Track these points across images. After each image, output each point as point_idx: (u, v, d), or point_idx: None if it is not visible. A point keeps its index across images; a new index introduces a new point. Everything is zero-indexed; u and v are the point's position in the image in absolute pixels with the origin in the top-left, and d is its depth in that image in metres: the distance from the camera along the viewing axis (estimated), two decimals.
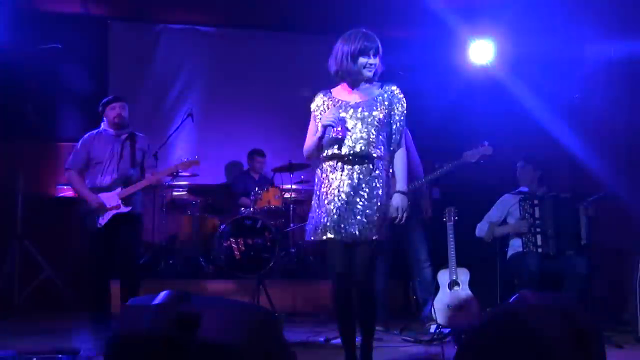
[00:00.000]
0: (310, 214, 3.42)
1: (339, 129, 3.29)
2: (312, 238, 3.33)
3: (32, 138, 6.84)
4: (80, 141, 4.96)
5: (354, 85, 3.41)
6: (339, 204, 3.26)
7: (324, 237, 3.28)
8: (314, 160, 3.49)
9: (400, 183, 3.39)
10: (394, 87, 3.44)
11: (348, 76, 3.37)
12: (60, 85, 7.09)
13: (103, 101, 5.01)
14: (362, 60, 3.30)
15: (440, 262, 5.11)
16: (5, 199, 6.46)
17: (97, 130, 4.98)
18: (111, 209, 4.73)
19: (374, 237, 3.24)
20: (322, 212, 3.30)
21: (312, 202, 3.44)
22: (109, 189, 4.78)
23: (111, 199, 4.75)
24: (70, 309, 5.65)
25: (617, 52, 5.80)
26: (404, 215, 3.33)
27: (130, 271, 4.84)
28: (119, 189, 4.78)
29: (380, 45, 3.34)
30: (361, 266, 3.27)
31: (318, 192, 3.39)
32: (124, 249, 4.81)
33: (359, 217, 3.24)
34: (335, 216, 3.25)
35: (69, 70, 7.02)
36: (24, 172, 6.45)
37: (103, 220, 4.74)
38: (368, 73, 3.34)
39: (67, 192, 6.74)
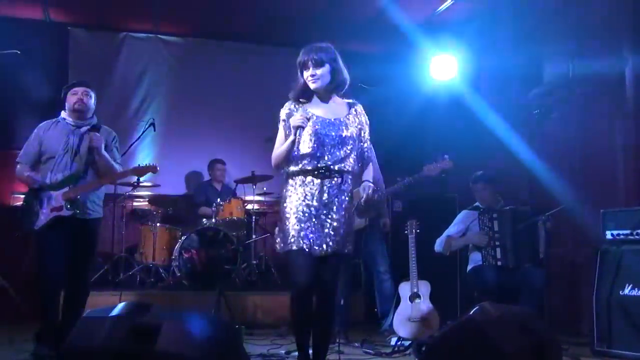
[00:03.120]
0: (279, 226, 3.41)
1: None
2: (282, 248, 3.33)
3: None
4: (34, 130, 4.34)
5: (319, 98, 3.44)
6: (308, 217, 3.27)
7: (293, 248, 3.27)
8: (280, 170, 3.47)
9: (367, 176, 3.49)
10: (359, 107, 3.52)
11: (300, 94, 3.41)
12: (19, 92, 6.94)
13: (65, 86, 4.40)
14: (305, 74, 3.37)
15: (401, 275, 5.13)
16: None
17: (55, 119, 4.37)
18: (52, 210, 4.11)
19: (345, 251, 3.31)
20: (291, 224, 3.30)
21: (280, 213, 3.42)
22: (57, 187, 4.14)
23: (54, 199, 4.12)
24: (25, 319, 5.48)
25: (573, 71, 5.94)
26: (369, 195, 3.38)
27: (76, 285, 4.26)
28: (66, 189, 4.13)
29: (322, 56, 3.34)
30: (330, 280, 3.31)
31: (285, 204, 3.37)
32: (74, 256, 4.18)
33: (327, 231, 3.28)
34: (305, 229, 3.26)
35: (27, 77, 6.88)
36: None
37: (41, 222, 4.12)
38: (314, 84, 3.37)
39: (22, 201, 6.56)
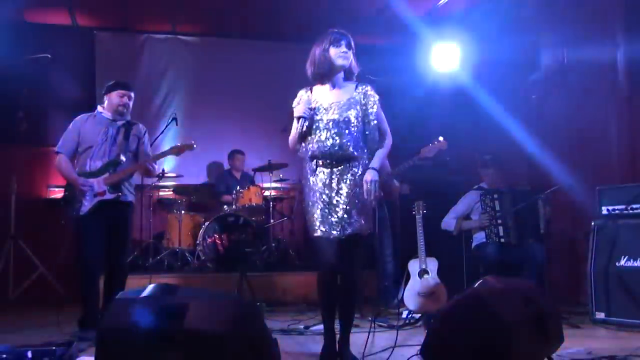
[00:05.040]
0: (306, 211, 3.36)
1: (306, 124, 3.27)
2: (314, 234, 3.26)
3: (24, 143, 6.71)
4: (72, 123, 4.37)
5: (332, 82, 3.34)
6: (322, 205, 3.23)
7: (315, 235, 3.25)
8: (296, 156, 3.43)
9: (373, 162, 3.31)
10: (367, 87, 3.37)
11: (324, 71, 3.29)
12: (50, 93, 7.00)
13: (110, 84, 4.42)
14: (333, 50, 3.26)
15: (410, 253, 5.14)
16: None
17: (91, 113, 4.43)
18: (96, 195, 4.16)
19: (362, 231, 3.23)
20: (312, 210, 3.27)
21: (304, 200, 3.38)
22: (97, 174, 4.20)
23: (97, 184, 4.18)
24: (62, 304, 5.55)
25: (569, 57, 5.88)
26: (375, 188, 3.22)
27: (115, 267, 4.29)
28: (106, 174, 4.20)
29: (352, 40, 3.31)
30: (347, 260, 3.25)
31: (305, 191, 3.34)
32: (114, 239, 4.24)
33: (339, 215, 3.21)
34: (321, 215, 3.23)
35: (58, 78, 6.93)
36: (17, 176, 6.37)
37: (85, 208, 4.14)
38: (343, 61, 3.28)
39: (58, 193, 6.65)
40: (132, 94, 4.43)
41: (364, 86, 3.37)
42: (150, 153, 4.53)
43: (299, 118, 3.27)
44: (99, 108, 4.41)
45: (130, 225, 4.43)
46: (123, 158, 4.26)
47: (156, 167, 4.43)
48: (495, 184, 5.20)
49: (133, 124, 4.45)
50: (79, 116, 4.42)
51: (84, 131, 4.30)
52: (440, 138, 4.93)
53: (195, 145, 4.53)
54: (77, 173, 4.25)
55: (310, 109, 3.29)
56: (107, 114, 4.36)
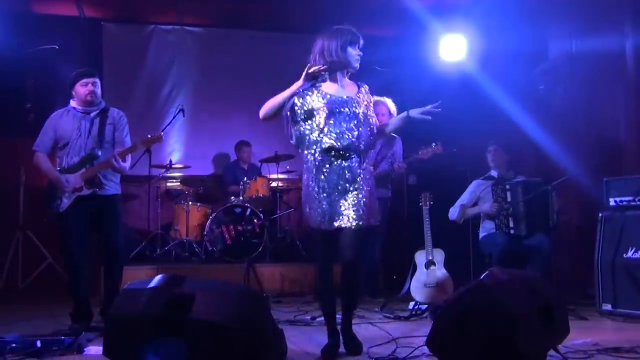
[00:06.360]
0: (307, 201, 3.31)
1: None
2: (321, 227, 3.25)
3: (32, 134, 6.73)
4: (47, 120, 4.26)
5: (339, 78, 3.36)
6: (333, 197, 3.23)
7: (323, 228, 3.24)
8: (266, 119, 3.51)
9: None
10: (366, 87, 3.45)
11: (338, 68, 3.31)
12: (57, 84, 7.00)
13: (71, 76, 4.23)
14: (351, 50, 3.28)
15: (417, 244, 5.15)
16: (8, 192, 6.43)
17: (65, 108, 4.27)
18: (74, 191, 4.08)
19: (361, 224, 3.23)
20: (319, 203, 3.25)
21: (305, 190, 3.33)
22: (74, 169, 4.10)
23: (74, 180, 4.08)
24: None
25: (577, 47, 5.85)
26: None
27: (109, 258, 4.22)
28: (83, 170, 4.09)
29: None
30: (351, 249, 3.24)
31: (312, 183, 3.29)
32: (101, 231, 4.18)
33: (350, 208, 3.22)
34: (330, 208, 3.22)
35: (65, 69, 6.93)
36: (25, 167, 6.40)
37: (65, 204, 4.08)
38: (356, 64, 3.33)
39: None
40: (97, 79, 4.22)
41: (363, 84, 3.44)
42: (125, 140, 4.30)
43: (313, 76, 3.24)
44: (72, 102, 4.25)
45: (116, 215, 4.26)
46: (99, 152, 4.13)
47: (125, 163, 4.19)
48: (498, 167, 5.20)
49: (107, 110, 4.28)
50: (54, 112, 4.30)
51: (60, 128, 4.19)
52: (433, 144, 5.13)
53: (163, 137, 4.38)
54: (56, 170, 4.17)
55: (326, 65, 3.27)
56: (79, 108, 4.21)
